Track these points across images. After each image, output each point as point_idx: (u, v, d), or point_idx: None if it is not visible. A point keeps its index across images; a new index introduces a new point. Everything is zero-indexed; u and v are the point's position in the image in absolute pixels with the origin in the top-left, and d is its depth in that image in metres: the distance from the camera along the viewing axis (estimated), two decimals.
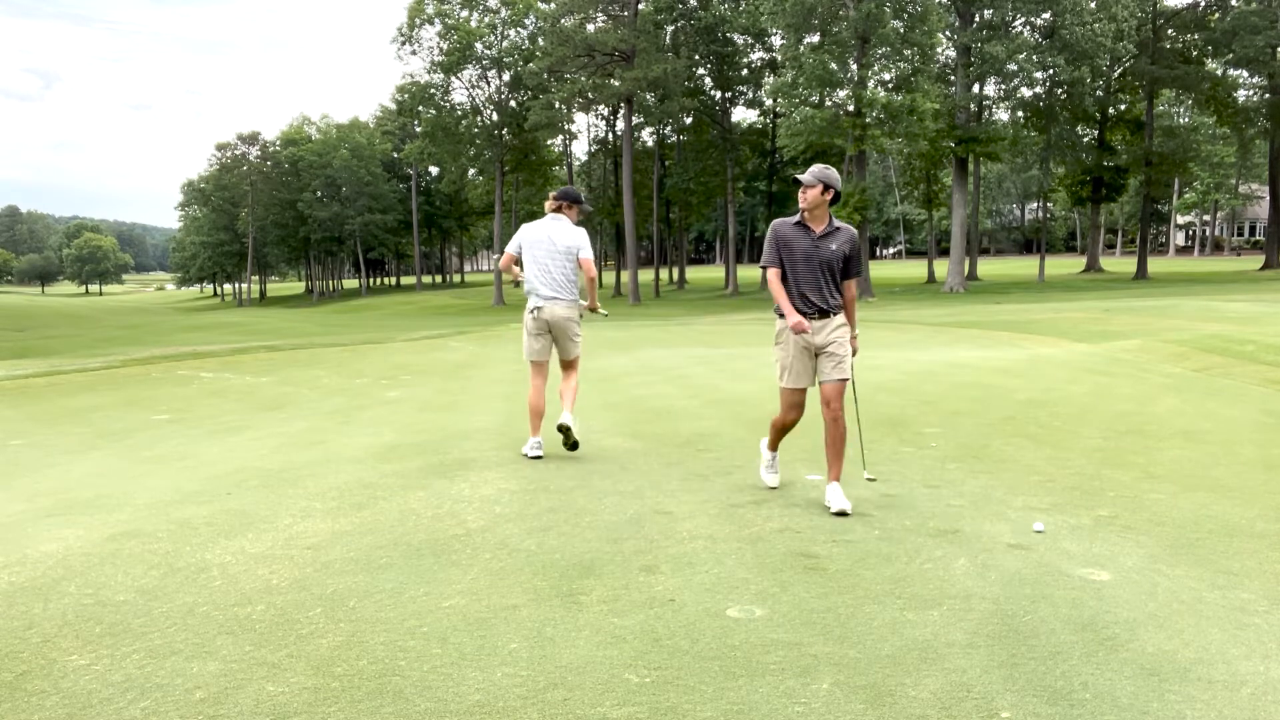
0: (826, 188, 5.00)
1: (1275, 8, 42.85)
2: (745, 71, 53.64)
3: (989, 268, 68.96)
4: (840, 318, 5.10)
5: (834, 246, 5.06)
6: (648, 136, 60.85)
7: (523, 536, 4.54)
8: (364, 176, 78.96)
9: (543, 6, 55.29)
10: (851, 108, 38.53)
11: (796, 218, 5.11)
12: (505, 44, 59.34)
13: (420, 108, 62.90)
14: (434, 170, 79.13)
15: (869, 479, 5.56)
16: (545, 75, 50.92)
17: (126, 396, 10.98)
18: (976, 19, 43.64)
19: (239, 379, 12.77)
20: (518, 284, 6.46)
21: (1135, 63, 47.28)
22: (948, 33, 42.78)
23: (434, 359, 15.66)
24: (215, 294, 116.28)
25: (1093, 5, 40.88)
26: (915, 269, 68.84)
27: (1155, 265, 58.91)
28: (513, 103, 60.02)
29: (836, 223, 5.12)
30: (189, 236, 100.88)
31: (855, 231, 5.28)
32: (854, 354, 5.17)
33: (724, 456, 6.41)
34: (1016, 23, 43.50)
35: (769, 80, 46.46)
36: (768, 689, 2.86)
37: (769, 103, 51.70)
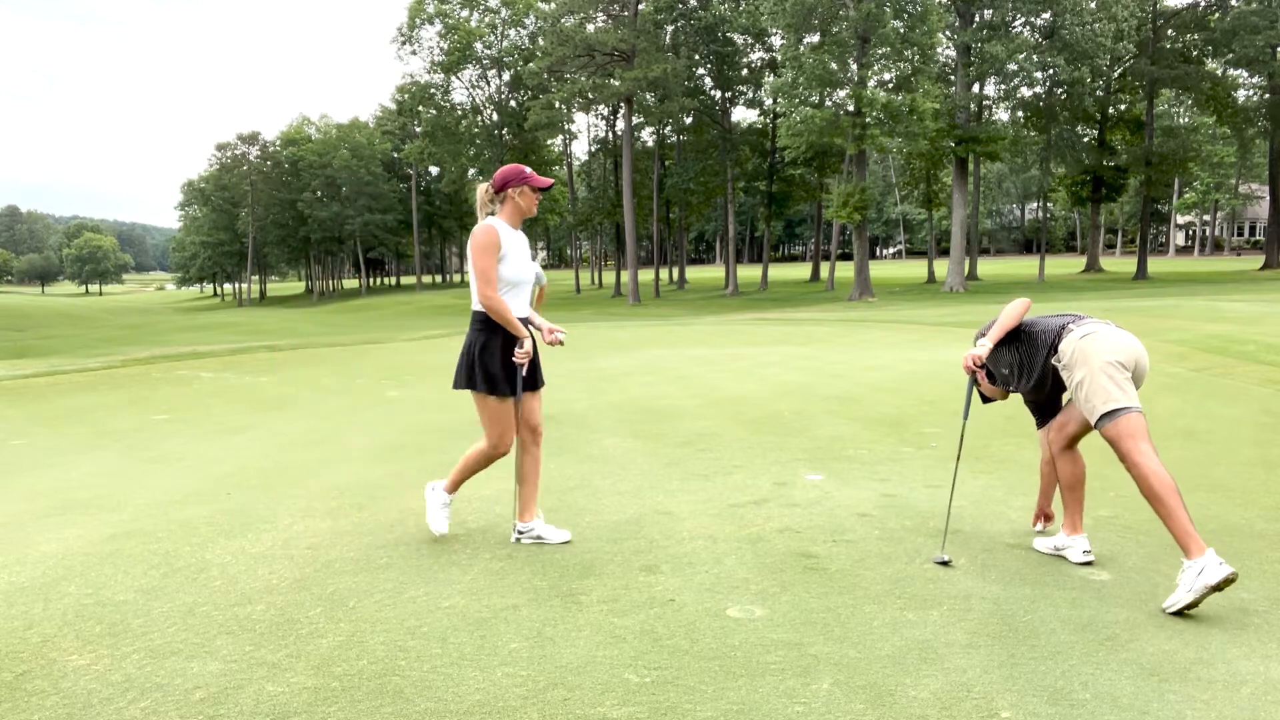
0: None
1: (1275, 8, 42.80)
2: (745, 71, 53.57)
3: (989, 268, 68.98)
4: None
5: None
6: (648, 136, 60.81)
7: None
8: (364, 176, 78.95)
9: (543, 6, 55.29)
10: (851, 108, 38.50)
11: None
12: (505, 44, 59.42)
13: (420, 108, 62.98)
14: (434, 170, 79.08)
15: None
16: (545, 75, 50.89)
17: (126, 396, 10.98)
18: (976, 19, 43.60)
19: (239, 379, 12.77)
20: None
21: (1135, 63, 47.25)
22: (948, 33, 42.76)
23: (434, 359, 15.64)
24: (215, 294, 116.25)
25: (1093, 5, 40.83)
26: (915, 269, 68.84)
27: (1155, 265, 58.91)
28: (513, 103, 60.09)
29: None
30: (189, 236, 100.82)
31: None
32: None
33: (724, 456, 6.41)
34: (1016, 23, 43.44)
35: (769, 80, 46.39)
36: (768, 689, 2.86)
37: (769, 103, 51.57)
